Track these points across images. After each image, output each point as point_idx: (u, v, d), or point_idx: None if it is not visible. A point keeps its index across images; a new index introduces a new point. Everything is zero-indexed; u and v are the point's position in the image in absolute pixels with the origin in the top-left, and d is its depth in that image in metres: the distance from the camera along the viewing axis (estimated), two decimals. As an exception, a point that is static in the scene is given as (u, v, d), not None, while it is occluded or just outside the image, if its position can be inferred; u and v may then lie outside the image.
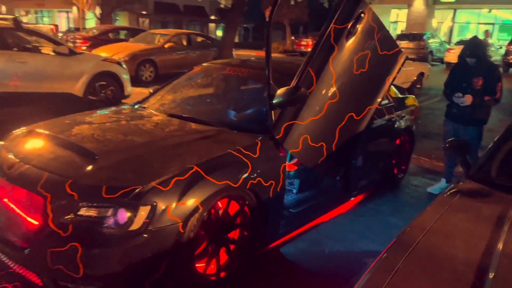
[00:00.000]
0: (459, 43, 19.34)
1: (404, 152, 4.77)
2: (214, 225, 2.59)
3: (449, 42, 24.07)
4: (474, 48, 4.12)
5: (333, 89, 2.99)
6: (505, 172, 2.44)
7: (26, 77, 6.45)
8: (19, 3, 33.92)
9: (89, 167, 2.42)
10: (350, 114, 3.18)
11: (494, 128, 5.59)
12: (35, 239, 2.26)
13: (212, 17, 39.93)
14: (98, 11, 24.67)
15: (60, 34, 21.66)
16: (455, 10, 27.18)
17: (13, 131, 3.11)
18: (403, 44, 19.93)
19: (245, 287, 2.78)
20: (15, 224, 2.41)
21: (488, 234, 1.71)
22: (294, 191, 3.52)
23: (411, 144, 4.87)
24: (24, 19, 32.52)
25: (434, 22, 26.84)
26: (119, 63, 7.98)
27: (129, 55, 10.64)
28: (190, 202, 2.34)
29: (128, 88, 7.85)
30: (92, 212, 2.22)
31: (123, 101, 7.47)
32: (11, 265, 2.35)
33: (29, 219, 2.33)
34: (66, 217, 2.20)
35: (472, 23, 28.32)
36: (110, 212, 2.21)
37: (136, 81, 9.90)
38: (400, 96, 4.72)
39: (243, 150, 2.72)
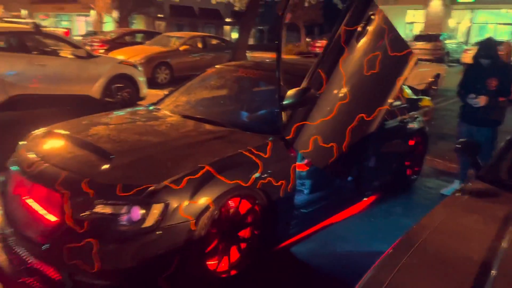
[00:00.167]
0: (477, 44, 19.01)
1: (417, 153, 4.74)
2: (225, 223, 2.64)
3: (466, 43, 23.69)
4: (488, 49, 4.09)
5: (343, 90, 3.01)
6: (514, 172, 2.43)
7: (45, 80, 6.60)
8: (39, 7, 34.69)
9: (105, 166, 2.50)
10: (361, 115, 3.20)
11: (510, 130, 5.51)
12: (53, 235, 2.34)
13: (227, 20, 40.17)
14: (115, 14, 25.10)
15: (78, 38, 22.09)
16: (473, 10, 26.74)
17: (33, 132, 3.22)
18: (419, 45, 19.72)
19: (256, 285, 2.82)
20: (34, 221, 2.51)
21: (494, 233, 1.72)
22: (305, 191, 3.55)
23: (424, 146, 4.84)
24: (44, 23, 33.28)
25: (451, 23, 26.46)
26: (135, 66, 8.12)
27: (145, 58, 10.80)
28: (202, 200, 2.40)
29: (144, 90, 7.97)
30: (107, 209, 2.30)
31: (138, 103, 7.59)
32: (30, 260, 2.44)
33: (47, 216, 2.43)
34: (82, 214, 2.28)
35: (491, 23, 27.79)
36: (124, 209, 2.28)
37: (152, 83, 10.04)
38: (413, 97, 4.70)
39: (254, 150, 2.77)
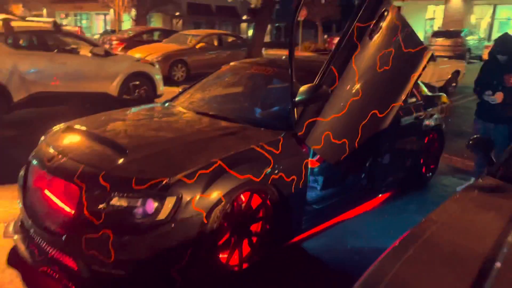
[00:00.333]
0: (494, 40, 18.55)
1: (433, 151, 4.70)
2: (236, 217, 2.68)
3: (488, 39, 23.16)
4: (505, 45, 4.02)
5: (356, 87, 3.02)
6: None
7: (65, 78, 6.75)
8: (59, 6, 35.29)
9: (121, 160, 2.58)
10: (373, 111, 3.20)
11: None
12: (71, 226, 2.43)
13: (244, 17, 40.22)
14: (133, 13, 25.42)
15: (96, 36, 22.45)
16: (495, 5, 26.07)
17: (53, 127, 3.34)
18: (439, 41, 19.38)
19: (267, 278, 2.86)
20: (53, 213, 2.61)
21: (501, 228, 1.72)
22: (318, 187, 3.57)
23: (440, 143, 4.79)
24: (64, 22, 33.92)
25: (472, 19, 25.90)
26: (152, 64, 8.24)
27: (162, 55, 10.94)
28: (214, 194, 2.45)
29: (161, 88, 8.07)
30: (123, 202, 2.37)
31: (156, 100, 7.71)
32: (50, 251, 2.54)
33: (66, 208, 2.52)
34: (99, 206, 2.36)
35: (513, 19, 27.08)
36: (139, 202, 2.36)
37: (169, 81, 10.16)
38: (429, 94, 4.66)
39: (265, 146, 2.81)
